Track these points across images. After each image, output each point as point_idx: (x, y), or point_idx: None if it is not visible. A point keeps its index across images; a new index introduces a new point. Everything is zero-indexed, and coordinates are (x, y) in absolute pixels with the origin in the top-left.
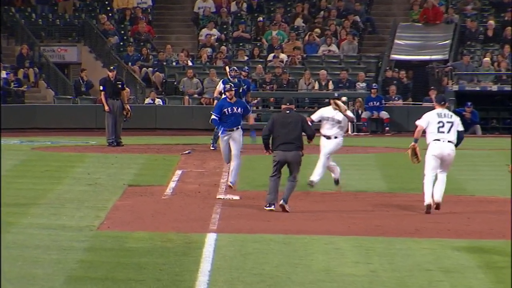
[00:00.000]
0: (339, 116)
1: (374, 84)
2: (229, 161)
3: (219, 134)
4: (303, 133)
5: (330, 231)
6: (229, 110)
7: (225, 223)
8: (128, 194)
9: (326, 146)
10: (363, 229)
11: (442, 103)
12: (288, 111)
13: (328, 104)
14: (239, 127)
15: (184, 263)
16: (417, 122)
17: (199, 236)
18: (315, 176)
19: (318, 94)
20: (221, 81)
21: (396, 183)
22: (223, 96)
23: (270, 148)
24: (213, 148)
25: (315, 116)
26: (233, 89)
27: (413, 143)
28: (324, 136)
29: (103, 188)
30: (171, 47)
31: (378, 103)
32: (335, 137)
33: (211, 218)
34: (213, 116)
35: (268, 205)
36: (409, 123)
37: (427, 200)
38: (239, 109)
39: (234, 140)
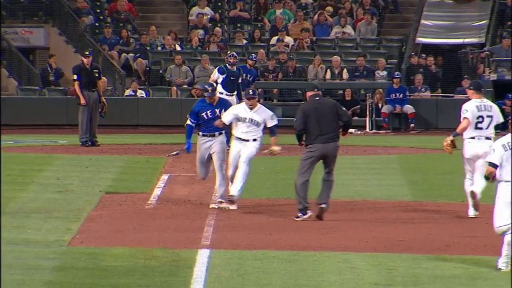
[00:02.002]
0: (258, 116)
1: (396, 73)
2: (205, 175)
3: (187, 149)
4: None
5: (344, 246)
6: (209, 113)
7: (220, 237)
8: (105, 203)
9: (245, 151)
10: (383, 245)
11: (481, 89)
12: (317, 98)
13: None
14: (223, 132)
15: (172, 284)
16: (464, 116)
17: (189, 253)
18: (236, 189)
19: (331, 85)
20: (216, 69)
21: (423, 190)
22: (219, 86)
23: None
24: None
25: (227, 118)
26: (215, 94)
27: (452, 137)
28: (239, 139)
29: (75, 196)
30: (156, 29)
31: (401, 95)
32: (254, 140)
33: (203, 231)
34: (188, 122)
35: (302, 213)
36: (438, 118)
37: (470, 213)
38: (223, 111)
39: (216, 149)
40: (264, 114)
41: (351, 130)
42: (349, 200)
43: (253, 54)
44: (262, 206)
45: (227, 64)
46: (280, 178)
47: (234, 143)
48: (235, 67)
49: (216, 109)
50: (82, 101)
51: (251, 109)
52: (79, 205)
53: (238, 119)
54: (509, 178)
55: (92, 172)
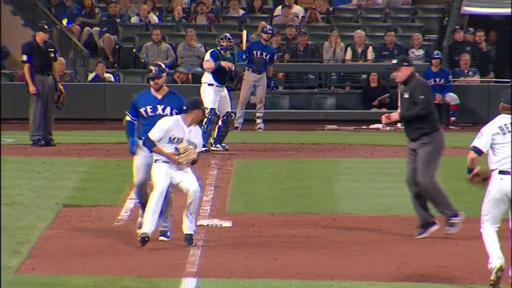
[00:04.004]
0: (194, 136)
1: (436, 52)
2: (145, 198)
3: (130, 148)
4: None
5: (369, 274)
6: (150, 110)
7: (210, 262)
8: (62, 219)
9: (188, 178)
10: (419, 272)
11: None
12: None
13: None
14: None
15: None
16: None
17: (171, 282)
18: (192, 227)
19: (352, 67)
20: (209, 52)
21: (468, 202)
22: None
23: None
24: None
25: (156, 134)
26: (162, 76)
27: None
28: (169, 163)
29: (25, 209)
30: None
31: (442, 81)
32: (193, 162)
33: (188, 255)
34: (127, 118)
35: (454, 217)
36: (490, 110)
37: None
38: (170, 109)
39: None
40: (199, 134)
41: (378, 125)
42: (374, 215)
43: (267, 26)
44: (263, 222)
45: (219, 48)
46: (286, 187)
47: (159, 166)
48: (228, 53)
49: (159, 105)
50: (32, 89)
51: (189, 125)
52: (29, 222)
53: (170, 138)
54: (507, 167)
55: (46, 179)
